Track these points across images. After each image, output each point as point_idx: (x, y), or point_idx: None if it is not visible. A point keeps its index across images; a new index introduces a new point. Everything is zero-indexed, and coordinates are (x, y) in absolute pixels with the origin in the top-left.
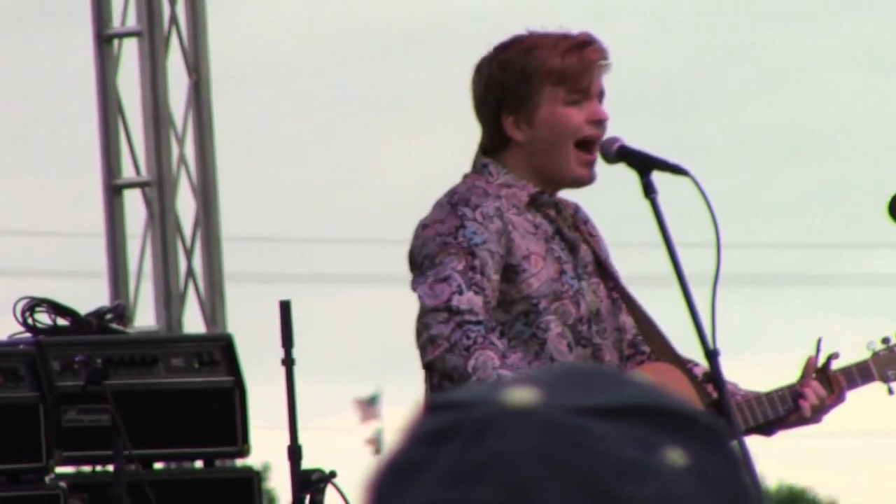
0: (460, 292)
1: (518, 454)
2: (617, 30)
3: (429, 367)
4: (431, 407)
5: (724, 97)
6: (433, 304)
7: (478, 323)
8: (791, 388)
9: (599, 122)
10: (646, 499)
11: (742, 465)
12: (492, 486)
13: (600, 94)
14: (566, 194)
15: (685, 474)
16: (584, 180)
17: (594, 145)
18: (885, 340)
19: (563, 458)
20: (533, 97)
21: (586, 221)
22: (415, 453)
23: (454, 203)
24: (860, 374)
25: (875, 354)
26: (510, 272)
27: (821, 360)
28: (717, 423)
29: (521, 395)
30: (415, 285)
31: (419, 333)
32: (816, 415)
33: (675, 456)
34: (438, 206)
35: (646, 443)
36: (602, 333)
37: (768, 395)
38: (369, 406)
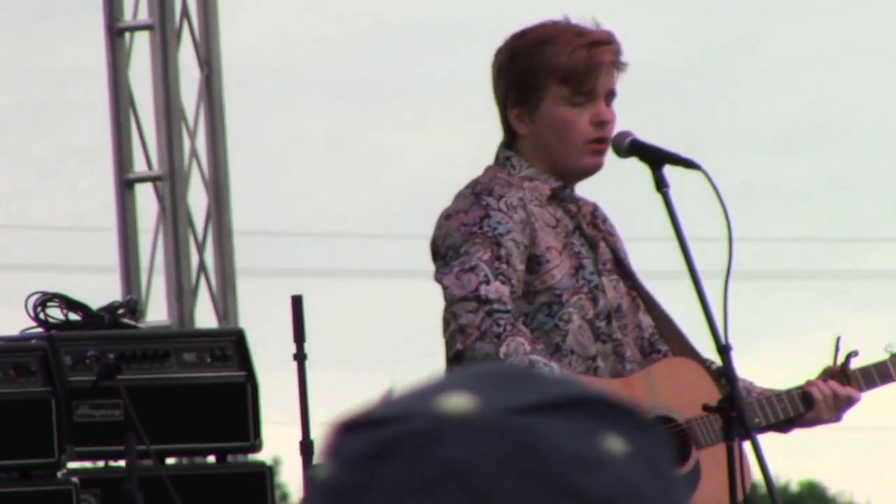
0: (487, 282)
1: (472, 462)
2: (618, 21)
3: (458, 356)
4: (353, 425)
5: (729, 90)
6: (461, 293)
7: (506, 311)
8: (808, 385)
9: (602, 124)
10: (604, 489)
11: (668, 449)
12: (450, 497)
13: (609, 95)
14: (585, 193)
15: (628, 460)
16: (590, 169)
17: (603, 141)
18: None
19: (516, 460)
20: (537, 92)
21: (605, 220)
22: (354, 474)
23: (478, 193)
24: (879, 374)
25: (893, 356)
26: (534, 262)
27: (840, 359)
28: (637, 406)
29: (456, 402)
30: (439, 275)
31: (447, 323)
32: (835, 413)
33: (615, 443)
34: (461, 196)
35: (586, 434)
36: (623, 329)
37: (787, 392)
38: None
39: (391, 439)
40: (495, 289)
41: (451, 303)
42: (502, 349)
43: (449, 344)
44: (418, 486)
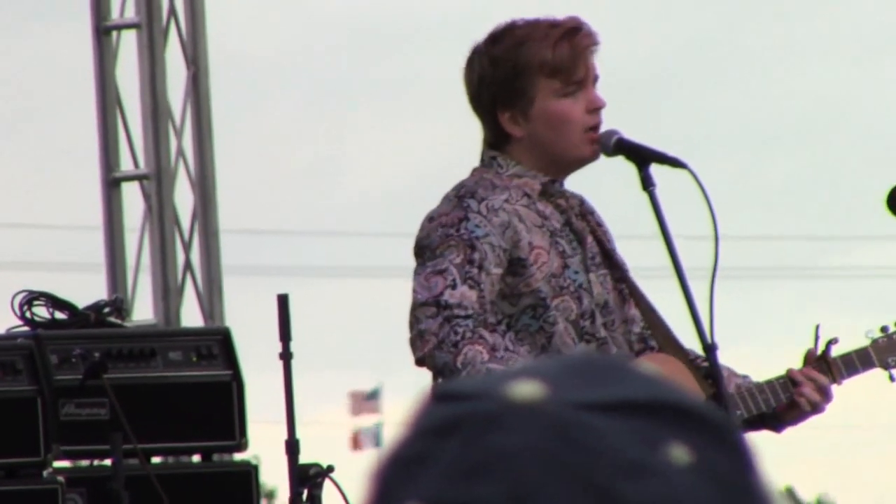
0: (454, 286)
1: (521, 452)
2: (594, 16)
3: (420, 363)
4: (436, 396)
5: (712, 88)
6: (424, 297)
7: (467, 317)
8: (790, 372)
9: (597, 110)
10: (648, 498)
11: (751, 460)
12: (494, 485)
13: (595, 79)
14: (571, 186)
15: (689, 472)
16: (590, 158)
17: (596, 126)
18: (884, 329)
19: (566, 457)
20: (527, 91)
21: (592, 212)
22: (419, 446)
23: (461, 196)
24: (860, 360)
25: (874, 342)
26: (517, 265)
27: (820, 347)
28: (724, 417)
29: (527, 389)
30: (414, 276)
31: (410, 327)
32: (819, 404)
33: (680, 453)
34: (446, 199)
35: (650, 440)
36: (610, 326)
37: (768, 383)
38: (368, 400)
39: (456, 418)
40: (460, 293)
41: (415, 307)
42: (459, 358)
43: (412, 349)
44: (466, 470)
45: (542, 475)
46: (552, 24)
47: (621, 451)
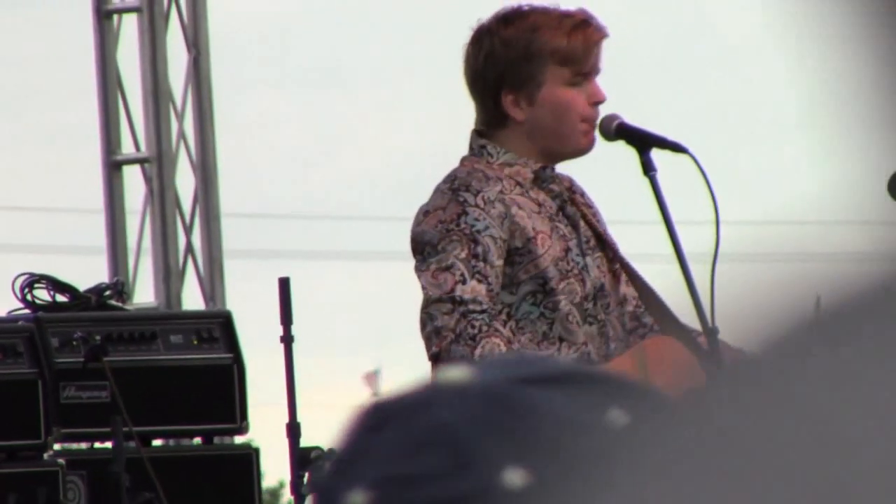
0: (464, 281)
1: (458, 423)
2: (585, 3)
3: (435, 358)
4: (368, 402)
5: (714, 68)
6: (437, 294)
7: (482, 312)
8: None
9: (598, 104)
10: (595, 453)
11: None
12: (436, 455)
13: (597, 73)
14: (559, 168)
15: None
16: (586, 149)
17: (594, 120)
18: None
19: (505, 422)
20: (537, 76)
21: (582, 194)
22: (356, 442)
23: (455, 189)
24: None
25: None
26: (515, 255)
27: None
28: (646, 384)
29: (454, 373)
30: (418, 272)
31: (423, 324)
32: None
33: (617, 415)
34: (439, 192)
35: (585, 404)
36: (606, 308)
37: None
38: (376, 376)
39: (389, 410)
40: (471, 288)
41: (427, 304)
42: (477, 351)
43: (426, 346)
44: (406, 449)
45: (481, 439)
46: (565, 14)
47: (561, 413)
